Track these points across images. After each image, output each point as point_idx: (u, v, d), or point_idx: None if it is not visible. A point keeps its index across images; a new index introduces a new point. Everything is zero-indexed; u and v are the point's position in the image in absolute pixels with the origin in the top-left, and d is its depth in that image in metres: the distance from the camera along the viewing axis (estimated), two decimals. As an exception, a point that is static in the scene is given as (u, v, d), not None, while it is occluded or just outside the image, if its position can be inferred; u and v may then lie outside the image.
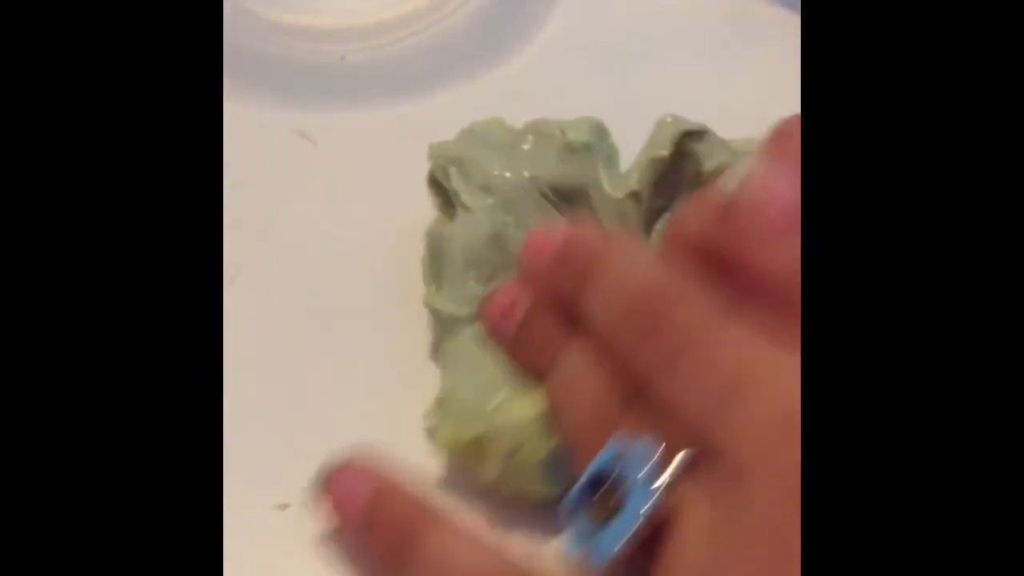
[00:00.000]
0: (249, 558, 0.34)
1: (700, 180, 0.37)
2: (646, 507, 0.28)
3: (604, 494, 0.30)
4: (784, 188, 0.29)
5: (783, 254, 0.28)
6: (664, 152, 0.37)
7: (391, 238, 0.41)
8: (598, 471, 0.30)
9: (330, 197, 0.42)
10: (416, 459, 0.36)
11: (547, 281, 0.33)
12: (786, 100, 0.42)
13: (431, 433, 0.35)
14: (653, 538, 0.29)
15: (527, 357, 0.34)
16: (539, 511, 0.34)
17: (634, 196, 0.37)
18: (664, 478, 0.28)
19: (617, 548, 0.29)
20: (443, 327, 0.36)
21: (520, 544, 0.34)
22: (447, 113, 0.44)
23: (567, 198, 0.37)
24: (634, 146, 0.43)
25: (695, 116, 0.44)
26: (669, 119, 0.37)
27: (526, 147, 0.38)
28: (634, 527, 0.28)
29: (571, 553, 0.30)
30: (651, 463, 0.29)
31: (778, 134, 0.30)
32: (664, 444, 0.29)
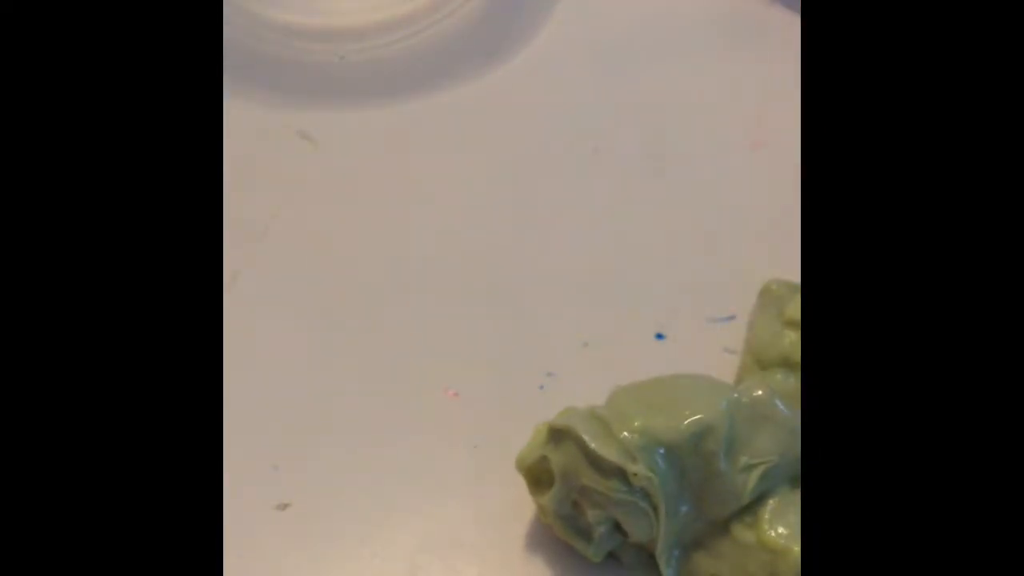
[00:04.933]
0: (249, 558, 0.34)
1: None
2: None
3: None
4: None
5: None
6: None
7: (390, 238, 0.41)
8: None
9: (330, 197, 0.42)
10: (415, 459, 0.36)
11: None
12: (786, 100, 0.42)
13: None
14: None
15: None
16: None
17: None
18: None
19: None
20: None
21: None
22: (447, 113, 0.44)
23: None
24: (634, 148, 0.43)
25: (695, 116, 0.44)
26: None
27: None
28: None
29: None
30: None
31: None
32: None
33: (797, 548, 0.31)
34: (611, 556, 0.33)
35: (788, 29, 0.46)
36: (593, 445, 0.31)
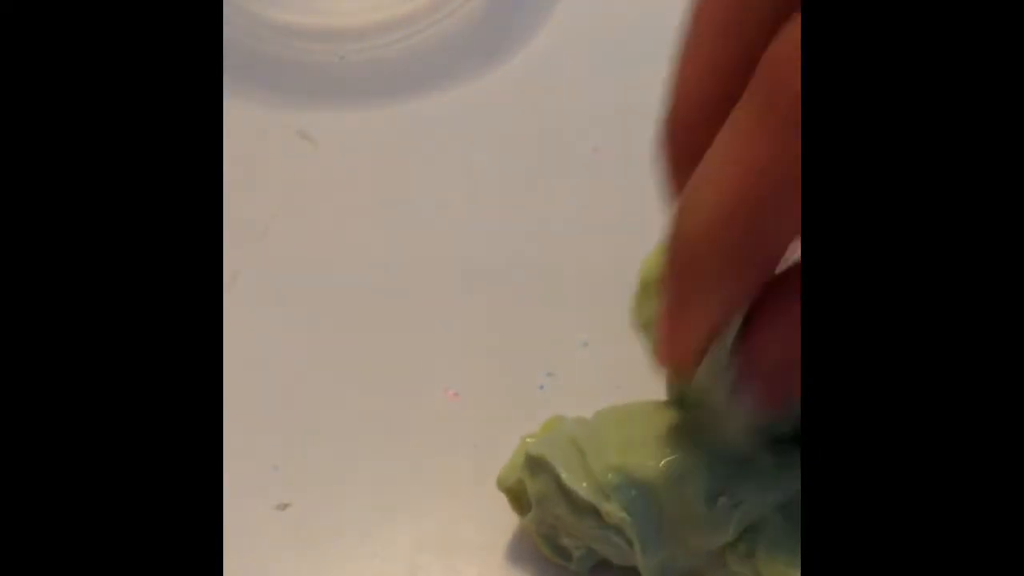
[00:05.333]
0: (249, 558, 0.34)
1: None
2: None
3: None
4: None
5: None
6: None
7: (391, 238, 0.41)
8: None
9: (330, 197, 0.42)
10: (415, 459, 0.36)
11: None
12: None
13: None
14: None
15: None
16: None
17: None
18: None
19: None
20: None
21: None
22: (447, 113, 0.44)
23: None
24: (634, 148, 0.43)
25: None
26: None
27: None
28: None
29: None
30: None
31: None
32: None
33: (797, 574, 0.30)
34: (606, 562, 0.33)
35: (788, 29, 0.46)
36: (566, 480, 0.31)
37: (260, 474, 0.36)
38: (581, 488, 0.31)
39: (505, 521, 0.35)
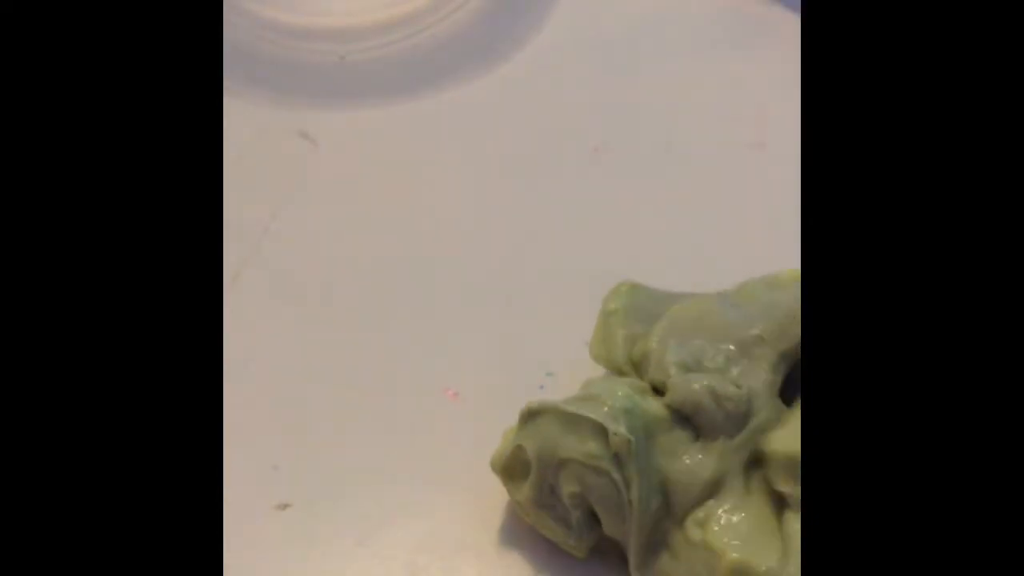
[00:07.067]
0: (249, 558, 0.34)
1: None
2: None
3: None
4: None
5: None
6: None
7: (390, 238, 0.41)
8: None
9: (330, 197, 0.42)
10: (415, 459, 0.36)
11: None
12: (786, 100, 0.42)
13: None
14: None
15: None
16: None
17: None
18: None
19: None
20: None
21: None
22: (447, 113, 0.44)
23: None
24: (634, 148, 0.43)
25: (695, 116, 0.44)
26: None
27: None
28: None
29: None
30: None
31: None
32: None
33: (735, 555, 0.31)
34: (605, 558, 0.33)
35: (788, 29, 0.46)
36: (573, 408, 0.32)
37: (260, 474, 0.36)
38: (592, 411, 0.32)
39: (505, 521, 0.35)
